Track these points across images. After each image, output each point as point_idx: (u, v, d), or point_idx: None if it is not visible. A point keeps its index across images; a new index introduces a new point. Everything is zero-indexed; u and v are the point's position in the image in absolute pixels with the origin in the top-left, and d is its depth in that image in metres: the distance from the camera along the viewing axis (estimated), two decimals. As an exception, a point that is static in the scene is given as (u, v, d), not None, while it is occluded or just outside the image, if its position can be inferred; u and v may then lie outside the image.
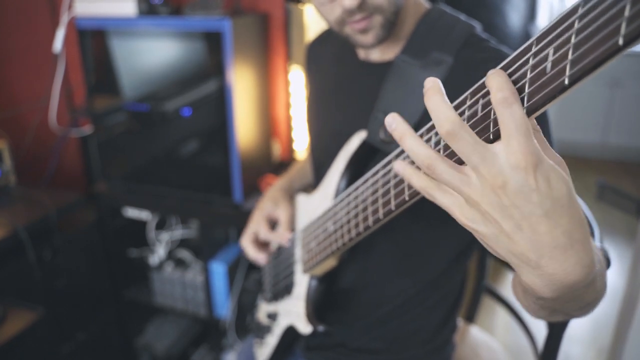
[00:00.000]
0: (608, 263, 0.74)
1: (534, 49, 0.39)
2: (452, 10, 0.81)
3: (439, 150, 0.47)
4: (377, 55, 0.83)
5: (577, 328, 2.18)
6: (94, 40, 1.58)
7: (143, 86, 1.57)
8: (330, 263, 0.82)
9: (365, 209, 0.65)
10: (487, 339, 1.14)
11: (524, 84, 0.39)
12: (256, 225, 0.99)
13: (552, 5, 3.55)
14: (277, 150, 1.81)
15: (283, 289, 0.94)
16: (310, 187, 1.07)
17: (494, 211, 0.40)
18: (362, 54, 0.86)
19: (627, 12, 0.32)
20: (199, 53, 1.48)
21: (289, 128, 1.76)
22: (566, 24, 0.36)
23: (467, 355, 1.06)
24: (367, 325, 0.90)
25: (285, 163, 1.80)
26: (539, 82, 0.38)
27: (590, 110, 3.97)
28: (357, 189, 0.68)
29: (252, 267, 1.67)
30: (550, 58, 0.37)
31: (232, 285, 1.70)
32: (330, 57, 0.95)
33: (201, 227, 1.67)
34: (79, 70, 1.87)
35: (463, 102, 0.45)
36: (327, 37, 0.98)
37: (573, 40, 0.35)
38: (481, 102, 0.43)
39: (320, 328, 0.87)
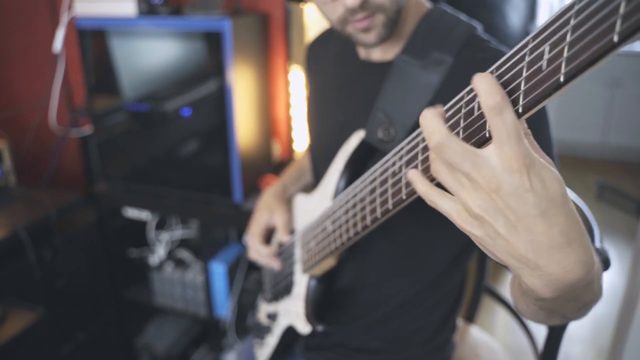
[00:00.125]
0: (607, 264, 0.74)
1: (529, 47, 0.39)
2: (453, 11, 0.81)
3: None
4: (377, 54, 0.83)
5: (577, 328, 2.18)
6: (94, 40, 1.58)
7: (143, 86, 1.57)
8: (330, 263, 0.82)
9: (363, 208, 0.65)
10: (487, 339, 1.14)
11: (519, 82, 0.39)
12: (253, 237, 0.99)
13: (552, 5, 3.55)
14: (277, 150, 1.81)
15: (283, 289, 0.94)
16: (309, 187, 1.07)
17: (488, 215, 0.41)
18: (362, 53, 0.86)
19: (622, 9, 0.32)
20: (199, 53, 1.48)
21: (289, 128, 1.76)
22: (561, 20, 0.37)
23: (467, 355, 1.06)
24: (366, 325, 0.90)
25: (285, 163, 1.80)
26: (534, 80, 0.38)
27: (590, 110, 3.97)
28: (355, 188, 0.68)
29: (252, 267, 1.67)
30: (546, 56, 0.37)
31: (232, 285, 1.70)
32: (331, 57, 0.95)
33: (201, 227, 1.67)
34: (79, 70, 1.87)
35: (459, 100, 0.45)
36: (328, 37, 0.98)
37: (568, 37, 0.36)
38: (477, 100, 0.43)
39: (320, 328, 0.87)
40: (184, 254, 1.87)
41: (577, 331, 2.17)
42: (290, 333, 0.93)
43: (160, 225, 1.88)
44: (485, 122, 0.42)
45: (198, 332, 2.06)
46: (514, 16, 1.69)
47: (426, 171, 0.50)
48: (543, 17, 2.11)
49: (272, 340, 0.97)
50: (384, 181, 0.59)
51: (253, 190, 1.61)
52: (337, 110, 0.89)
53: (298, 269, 0.89)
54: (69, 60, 1.90)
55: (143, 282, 1.90)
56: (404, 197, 0.55)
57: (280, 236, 0.95)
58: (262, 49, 1.64)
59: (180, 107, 1.54)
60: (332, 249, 0.75)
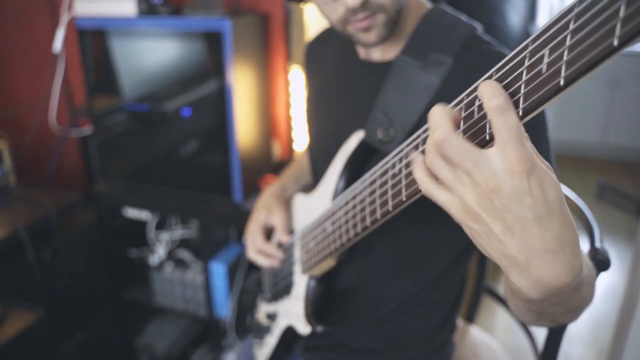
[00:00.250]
0: (607, 264, 0.74)
1: (529, 50, 0.39)
2: (453, 11, 0.81)
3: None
4: (377, 54, 0.83)
5: (577, 328, 2.18)
6: (94, 40, 1.58)
7: (143, 86, 1.57)
8: (329, 263, 0.82)
9: (363, 209, 0.65)
10: (487, 339, 1.14)
11: (519, 86, 0.39)
12: (253, 236, 0.99)
13: (552, 5, 3.55)
14: (277, 150, 1.81)
15: (282, 289, 0.94)
16: (309, 187, 1.07)
17: (485, 213, 0.41)
18: (362, 53, 0.86)
19: (622, 13, 0.31)
20: (199, 53, 1.48)
21: (289, 128, 1.76)
22: (561, 24, 0.36)
23: (467, 355, 1.07)
24: (366, 326, 0.90)
25: (285, 163, 1.80)
26: (534, 83, 0.38)
27: (590, 110, 3.97)
28: (355, 189, 0.68)
29: (252, 267, 1.67)
30: (546, 59, 0.37)
31: (232, 285, 1.70)
32: (331, 57, 0.95)
33: (201, 227, 1.67)
34: (79, 70, 1.87)
35: (459, 103, 0.45)
36: (327, 37, 0.98)
37: (568, 41, 0.36)
38: (477, 103, 0.43)
39: (319, 328, 0.87)
40: (184, 254, 1.87)
41: (577, 331, 2.17)
42: (289, 333, 0.93)
43: (160, 225, 1.88)
44: (485, 124, 0.42)
45: (198, 332, 2.06)
46: (514, 16, 1.69)
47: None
48: (543, 17, 2.11)
49: (271, 341, 0.97)
50: (384, 183, 0.59)
51: (253, 190, 1.61)
52: (336, 110, 0.89)
53: (297, 269, 0.89)
54: (69, 60, 1.90)
55: (143, 282, 1.90)
56: (404, 198, 0.55)
57: (280, 236, 0.95)
58: (262, 49, 1.64)
59: (180, 107, 1.54)
60: (332, 249, 0.75)
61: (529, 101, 0.39)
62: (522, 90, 0.39)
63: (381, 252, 0.86)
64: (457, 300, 0.93)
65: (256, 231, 0.98)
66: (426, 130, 0.50)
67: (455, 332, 0.96)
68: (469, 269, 0.99)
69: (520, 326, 1.10)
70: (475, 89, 0.44)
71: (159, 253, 1.86)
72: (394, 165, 0.57)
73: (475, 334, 1.14)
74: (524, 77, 0.39)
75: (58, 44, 1.79)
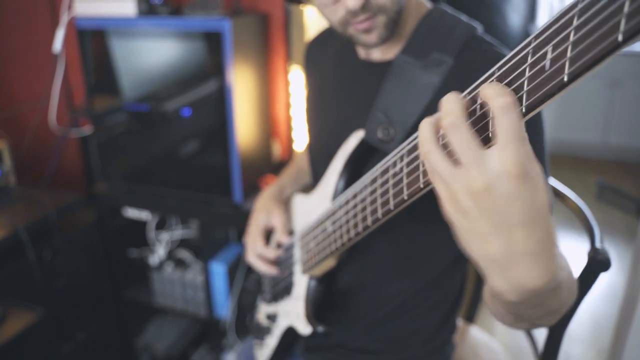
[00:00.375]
0: (607, 264, 0.74)
1: (532, 47, 0.39)
2: (453, 11, 0.80)
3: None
4: (377, 54, 0.83)
5: (577, 328, 2.18)
6: (93, 40, 1.58)
7: (143, 86, 1.57)
8: (330, 263, 0.82)
9: (364, 209, 0.65)
10: (487, 339, 1.13)
11: (522, 82, 0.39)
12: (253, 240, 0.99)
13: (552, 5, 3.55)
14: (277, 150, 1.81)
15: (282, 290, 0.94)
16: (308, 186, 1.07)
17: (474, 211, 0.41)
18: (362, 53, 0.86)
19: (626, 8, 0.31)
20: (199, 53, 1.48)
21: (289, 128, 1.76)
22: (564, 20, 0.36)
23: (467, 355, 1.06)
24: (366, 326, 0.90)
25: (285, 163, 1.80)
26: (537, 80, 0.38)
27: (590, 110, 3.97)
28: (355, 189, 0.68)
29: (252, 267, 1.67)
30: (549, 56, 0.37)
31: (232, 286, 1.70)
32: (330, 57, 0.95)
33: (201, 227, 1.67)
34: (79, 70, 1.87)
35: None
36: (327, 37, 0.98)
37: (572, 37, 0.35)
38: (479, 101, 0.43)
39: (320, 329, 0.87)
40: (184, 254, 1.87)
41: (577, 331, 2.17)
42: (290, 334, 0.93)
43: (160, 225, 1.88)
44: (487, 122, 0.42)
45: (198, 332, 2.06)
46: (514, 16, 1.69)
47: (427, 173, 0.50)
48: (543, 17, 2.11)
49: (271, 341, 0.97)
50: (385, 182, 0.59)
51: (253, 190, 1.61)
52: (336, 110, 0.89)
53: (298, 269, 0.89)
54: (69, 60, 1.90)
55: (143, 282, 1.90)
56: (405, 197, 0.55)
57: (279, 237, 0.95)
58: (262, 49, 1.64)
59: (180, 107, 1.54)
60: (333, 249, 0.75)
61: (533, 98, 0.39)
62: (525, 87, 0.39)
63: (381, 252, 0.86)
64: (457, 300, 0.93)
65: (256, 235, 0.98)
66: None
67: (455, 332, 0.96)
68: (469, 269, 0.99)
69: (520, 326, 1.10)
70: (477, 87, 0.44)
71: (159, 253, 1.86)
72: (395, 164, 0.57)
73: (475, 334, 1.14)
74: (527, 74, 0.39)
75: (58, 44, 1.79)
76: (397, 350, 0.90)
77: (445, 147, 0.45)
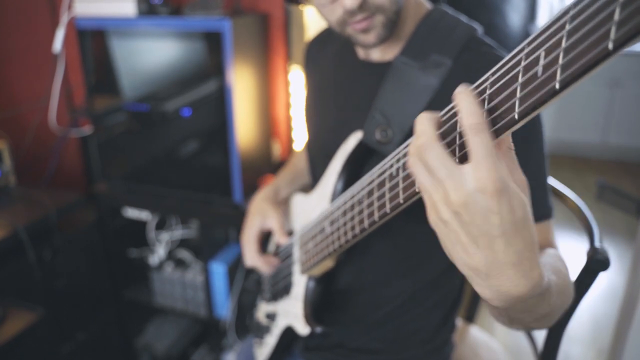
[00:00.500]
0: (607, 264, 0.74)
1: (525, 52, 0.39)
2: (453, 11, 0.80)
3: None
4: (377, 55, 0.83)
5: (577, 328, 2.18)
6: (93, 40, 1.58)
7: (143, 86, 1.57)
8: (328, 264, 0.82)
9: (361, 211, 0.65)
10: (487, 339, 1.14)
11: (515, 88, 0.39)
12: (249, 244, 0.98)
13: (552, 6, 3.55)
14: (277, 150, 1.81)
15: (282, 290, 0.94)
16: (308, 186, 1.07)
17: (454, 223, 0.43)
18: (361, 53, 0.86)
19: (616, 16, 0.31)
20: (199, 53, 1.48)
21: (289, 128, 1.76)
22: (557, 26, 0.36)
23: (467, 355, 1.06)
24: (366, 326, 0.90)
25: (285, 163, 1.80)
26: (530, 87, 0.38)
27: (590, 110, 3.97)
28: (353, 190, 0.68)
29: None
30: (542, 62, 0.37)
31: (232, 285, 1.70)
32: (330, 57, 0.95)
33: (201, 227, 1.67)
34: (79, 70, 1.87)
35: (451, 109, 0.45)
36: (327, 37, 0.98)
37: (564, 43, 0.35)
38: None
39: (318, 329, 0.87)
40: (184, 254, 1.87)
41: (577, 331, 2.17)
42: (289, 333, 0.93)
43: (160, 225, 1.88)
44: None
45: (198, 332, 2.06)
46: (514, 16, 1.69)
47: None
48: (543, 17, 2.11)
49: (271, 340, 0.97)
50: (382, 184, 0.59)
51: (253, 190, 1.61)
52: (335, 110, 0.89)
53: (297, 269, 0.89)
54: (69, 60, 1.90)
55: (143, 282, 1.90)
56: (401, 201, 0.55)
57: (278, 239, 0.95)
58: (262, 49, 1.64)
59: (180, 107, 1.54)
60: (331, 250, 0.75)
61: (525, 104, 0.39)
62: (518, 94, 0.39)
63: (380, 253, 0.86)
64: (456, 300, 0.93)
65: (252, 239, 0.98)
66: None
67: (455, 332, 0.96)
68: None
69: (520, 326, 1.10)
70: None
71: (159, 253, 1.86)
72: (391, 166, 0.57)
73: (475, 334, 1.14)
74: (520, 80, 0.39)
75: (58, 44, 1.79)
76: (397, 350, 0.90)
77: None
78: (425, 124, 0.44)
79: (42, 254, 1.55)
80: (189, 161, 1.61)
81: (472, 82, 0.45)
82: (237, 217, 1.54)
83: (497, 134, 0.41)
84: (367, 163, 0.80)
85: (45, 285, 1.56)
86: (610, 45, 0.32)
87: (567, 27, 0.35)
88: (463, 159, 0.44)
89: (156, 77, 1.55)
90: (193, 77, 1.51)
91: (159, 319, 2.06)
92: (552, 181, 0.91)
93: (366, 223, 0.64)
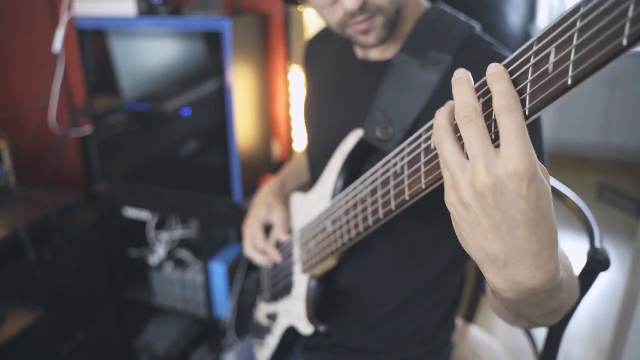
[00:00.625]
0: (607, 264, 0.74)
1: (535, 49, 0.39)
2: (452, 10, 0.80)
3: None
4: (376, 54, 0.83)
5: (577, 328, 2.18)
6: (94, 40, 1.58)
7: (143, 86, 1.57)
8: (330, 263, 0.82)
9: (365, 209, 0.65)
10: (487, 339, 1.13)
11: (525, 85, 0.39)
12: (253, 233, 0.99)
13: (552, 6, 3.55)
14: (277, 150, 1.81)
15: (282, 290, 0.94)
16: (307, 186, 1.07)
17: (476, 206, 0.41)
18: (360, 53, 0.86)
19: (631, 13, 0.31)
20: (199, 53, 1.48)
21: (289, 128, 1.76)
22: (568, 23, 0.36)
23: (467, 355, 1.06)
24: (366, 326, 0.90)
25: (286, 163, 1.80)
26: (541, 83, 0.38)
27: (590, 110, 3.97)
28: (355, 188, 0.68)
29: (252, 267, 1.67)
30: (552, 59, 0.37)
31: (232, 286, 1.70)
32: (329, 56, 0.95)
33: (201, 227, 1.67)
34: (79, 70, 1.87)
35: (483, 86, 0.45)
36: (326, 36, 0.98)
37: (576, 40, 0.35)
38: (481, 100, 0.43)
39: (322, 328, 0.87)
40: (184, 254, 1.87)
41: (577, 331, 2.17)
42: (290, 333, 0.93)
43: (160, 225, 1.88)
44: (490, 124, 0.42)
45: (198, 332, 2.06)
46: (514, 16, 1.69)
47: (429, 173, 0.50)
48: (543, 17, 2.11)
49: (272, 341, 0.97)
50: (386, 182, 0.59)
51: (253, 190, 1.61)
52: (335, 109, 0.89)
53: (297, 269, 0.89)
54: (69, 60, 1.90)
55: (143, 282, 1.90)
56: (407, 198, 0.55)
57: (278, 235, 0.95)
58: (262, 49, 1.64)
59: (180, 107, 1.54)
60: (333, 249, 0.75)
61: (536, 101, 0.39)
62: (529, 90, 0.39)
63: (381, 252, 0.86)
64: (456, 300, 0.93)
65: (256, 228, 0.98)
66: (429, 129, 0.50)
67: (455, 332, 0.96)
68: (468, 269, 0.99)
69: (520, 326, 1.10)
70: (479, 86, 0.44)
71: (159, 253, 1.86)
72: (395, 165, 0.57)
73: (475, 334, 1.14)
74: (530, 77, 0.39)
75: (58, 44, 1.79)
76: (397, 350, 0.90)
77: (460, 139, 0.44)
78: (470, 95, 0.42)
79: (42, 254, 1.55)
80: (189, 161, 1.61)
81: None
82: (237, 217, 1.54)
83: None
84: (367, 161, 0.80)
85: (45, 285, 1.56)
86: (625, 42, 0.32)
87: (579, 24, 0.35)
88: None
89: (156, 77, 1.55)
90: (193, 77, 1.51)
91: (159, 319, 2.06)
92: (552, 181, 0.91)
93: (370, 221, 0.64)
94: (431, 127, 0.49)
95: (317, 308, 0.86)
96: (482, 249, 0.43)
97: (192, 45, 1.47)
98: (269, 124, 1.73)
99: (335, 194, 0.80)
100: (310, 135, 0.97)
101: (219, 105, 1.47)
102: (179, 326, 2.03)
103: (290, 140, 1.77)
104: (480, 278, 1.20)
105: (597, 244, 0.78)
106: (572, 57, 0.36)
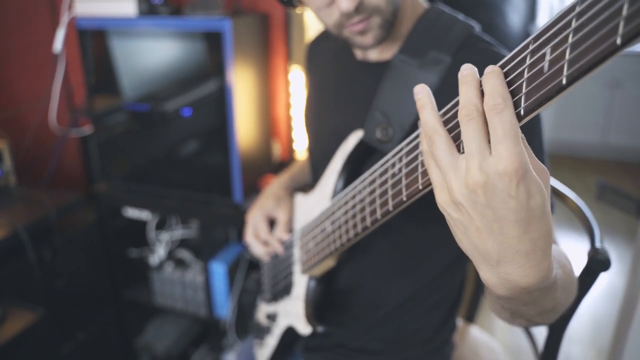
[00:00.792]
0: (607, 264, 0.74)
1: (531, 48, 0.39)
2: (451, 10, 0.81)
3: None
4: (375, 54, 0.83)
5: (577, 328, 2.18)
6: (94, 40, 1.58)
7: (143, 86, 1.57)
8: (329, 263, 0.82)
9: (363, 209, 0.65)
10: (487, 339, 1.14)
11: (521, 84, 0.39)
12: (257, 222, 0.99)
13: (552, 5, 3.55)
14: (277, 150, 1.81)
15: (282, 290, 0.94)
16: (308, 186, 1.07)
17: (468, 205, 0.41)
18: (360, 53, 0.86)
19: (624, 12, 0.31)
20: (199, 53, 1.48)
21: (289, 128, 1.76)
22: (563, 22, 0.36)
23: (467, 355, 1.06)
24: (366, 326, 0.90)
25: (285, 163, 1.80)
26: (536, 82, 0.38)
27: (590, 110, 3.97)
28: (354, 189, 0.68)
29: (252, 267, 1.67)
30: (548, 57, 0.37)
31: (232, 285, 1.70)
32: (329, 57, 0.95)
33: (201, 227, 1.67)
34: (79, 70, 1.87)
35: (456, 105, 0.45)
36: (327, 37, 0.98)
37: (570, 39, 0.35)
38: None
39: (320, 329, 0.87)
40: (184, 254, 1.87)
41: (577, 331, 2.17)
42: (290, 333, 0.93)
43: (160, 225, 1.88)
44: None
45: (198, 332, 2.06)
46: (514, 16, 1.69)
47: (427, 173, 0.50)
48: (543, 17, 2.11)
49: (271, 341, 0.97)
50: (384, 182, 0.59)
51: (253, 190, 1.61)
52: (335, 110, 0.89)
53: (297, 269, 0.89)
54: (69, 60, 1.90)
55: (143, 282, 1.90)
56: (404, 198, 0.55)
57: (279, 233, 0.95)
58: (262, 49, 1.64)
59: (180, 107, 1.54)
60: (332, 249, 0.75)
61: (530, 100, 0.39)
62: (524, 89, 0.39)
63: (380, 253, 0.86)
64: (456, 300, 0.93)
65: (260, 218, 0.99)
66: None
67: (455, 332, 0.96)
68: (468, 269, 0.99)
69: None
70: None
71: (159, 253, 1.86)
72: (393, 165, 0.57)
73: (475, 334, 1.14)
74: (525, 76, 0.39)
75: (58, 44, 1.79)
76: (397, 350, 0.90)
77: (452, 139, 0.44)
78: (473, 94, 0.41)
79: (42, 254, 1.55)
80: (189, 161, 1.61)
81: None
82: (237, 217, 1.55)
83: None
84: (368, 162, 0.80)
85: (45, 285, 1.56)
86: (619, 40, 0.32)
87: (574, 23, 0.35)
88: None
89: (156, 77, 1.55)
90: (193, 77, 1.51)
91: (159, 319, 2.06)
92: (552, 181, 0.91)
93: (368, 221, 0.64)
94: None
95: (316, 308, 0.86)
96: (475, 248, 0.43)
97: (192, 45, 1.47)
98: (269, 124, 1.73)
99: (335, 194, 0.80)
100: (311, 136, 0.98)
101: (219, 105, 1.47)
102: (179, 326, 2.03)
103: (290, 140, 1.77)
104: (480, 278, 1.20)
105: (597, 244, 0.78)
106: (567, 56, 0.36)
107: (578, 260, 0.76)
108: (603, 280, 2.47)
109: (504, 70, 0.41)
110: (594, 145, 4.05)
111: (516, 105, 0.40)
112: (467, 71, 0.43)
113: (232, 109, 1.47)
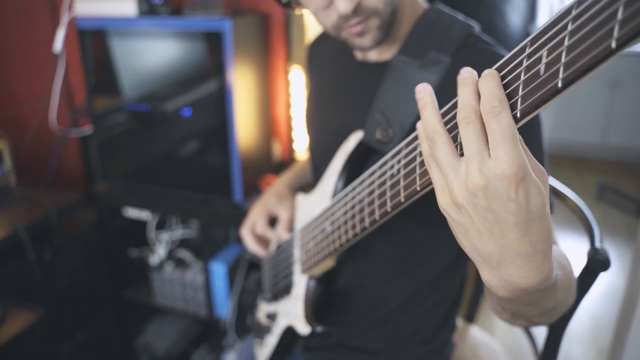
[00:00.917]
0: (607, 264, 0.74)
1: (528, 51, 0.39)
2: (450, 10, 0.80)
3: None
4: (374, 55, 0.83)
5: (577, 328, 2.18)
6: (94, 40, 1.58)
7: (143, 86, 1.57)
8: (329, 263, 0.82)
9: (362, 210, 0.65)
10: (487, 339, 1.14)
11: (517, 86, 0.39)
12: (256, 218, 0.99)
13: (552, 6, 3.55)
14: (277, 150, 1.81)
15: (282, 289, 0.94)
16: (309, 186, 1.07)
17: (469, 207, 0.42)
18: (359, 54, 0.86)
19: (619, 15, 0.31)
20: (199, 53, 1.48)
21: (289, 128, 1.76)
22: (560, 25, 0.36)
23: (467, 355, 1.07)
24: (366, 326, 0.90)
25: (285, 163, 1.80)
26: (532, 85, 0.38)
27: (590, 111, 3.97)
28: (354, 189, 0.68)
29: (252, 267, 1.67)
30: (544, 60, 0.37)
31: (232, 285, 1.70)
32: (329, 57, 0.95)
33: (201, 227, 1.67)
34: (79, 70, 1.87)
35: (456, 105, 0.45)
36: (327, 37, 0.98)
37: (566, 42, 0.35)
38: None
39: (319, 329, 0.87)
40: (184, 254, 1.87)
41: (577, 331, 2.17)
42: (289, 333, 0.93)
43: (160, 225, 1.88)
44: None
45: (198, 332, 2.06)
46: (514, 16, 1.69)
47: (424, 174, 0.50)
48: (543, 17, 2.11)
49: (271, 340, 0.97)
50: (382, 183, 0.59)
51: (253, 190, 1.61)
52: (335, 111, 0.89)
53: (297, 269, 0.89)
54: (69, 60, 1.90)
55: (143, 282, 1.90)
56: (402, 199, 0.55)
57: (280, 232, 0.95)
58: (262, 49, 1.64)
59: (180, 107, 1.54)
60: (331, 250, 0.75)
61: (527, 102, 0.39)
62: (520, 92, 0.39)
63: (380, 253, 0.86)
64: (456, 300, 0.93)
65: (260, 214, 1.00)
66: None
67: (455, 332, 0.96)
68: (468, 269, 0.99)
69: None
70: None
71: (159, 253, 1.86)
72: (392, 166, 0.57)
73: (475, 334, 1.14)
74: (522, 78, 0.39)
75: (58, 44, 1.79)
76: (397, 350, 0.90)
77: (452, 140, 0.44)
78: (471, 97, 0.41)
79: (42, 254, 1.55)
80: (189, 161, 1.61)
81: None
82: (237, 217, 1.54)
83: None
84: (368, 162, 0.80)
85: (45, 285, 1.56)
86: (614, 44, 0.32)
87: (570, 26, 0.35)
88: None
89: (156, 77, 1.55)
90: (193, 77, 1.51)
91: (159, 319, 2.06)
92: (552, 181, 0.91)
93: (367, 222, 0.64)
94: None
95: (315, 308, 0.86)
96: (476, 250, 0.44)
97: (192, 45, 1.47)
98: (269, 124, 1.73)
99: (335, 194, 0.80)
100: (312, 136, 0.98)
101: (219, 105, 1.47)
102: (179, 326, 2.03)
103: (290, 140, 1.77)
104: (480, 278, 1.20)
105: (597, 244, 0.78)
106: (563, 59, 0.36)
107: (578, 260, 0.76)
108: (603, 280, 2.47)
109: (501, 72, 0.41)
110: (594, 145, 4.05)
111: (513, 107, 0.40)
112: (466, 74, 0.43)
113: (232, 109, 1.47)
